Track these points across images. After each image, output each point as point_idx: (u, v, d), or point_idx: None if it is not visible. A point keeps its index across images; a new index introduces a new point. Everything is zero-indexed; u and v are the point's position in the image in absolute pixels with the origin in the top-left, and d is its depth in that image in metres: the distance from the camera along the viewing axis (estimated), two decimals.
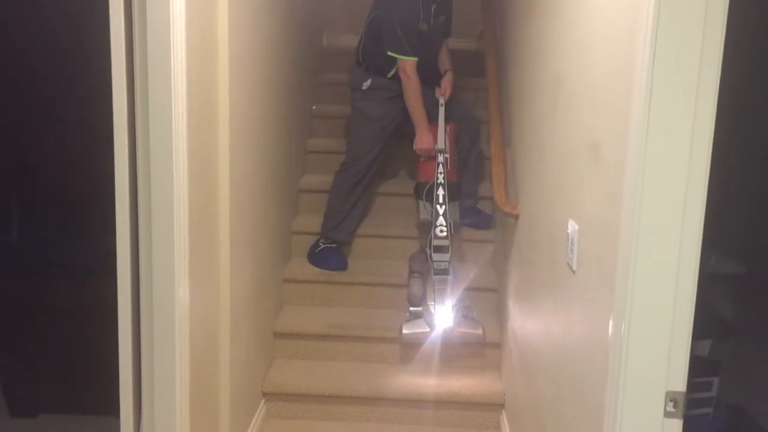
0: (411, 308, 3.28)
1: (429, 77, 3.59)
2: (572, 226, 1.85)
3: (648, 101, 1.31)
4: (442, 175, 3.40)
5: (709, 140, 1.32)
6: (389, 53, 3.41)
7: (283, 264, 3.59)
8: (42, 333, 3.06)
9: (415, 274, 3.35)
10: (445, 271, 3.24)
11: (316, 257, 3.64)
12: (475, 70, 4.27)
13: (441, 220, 3.32)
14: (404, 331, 3.20)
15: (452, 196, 3.46)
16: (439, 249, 3.27)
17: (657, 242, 1.35)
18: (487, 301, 3.51)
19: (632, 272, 1.37)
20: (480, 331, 3.20)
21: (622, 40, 1.49)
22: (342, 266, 3.62)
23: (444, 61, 3.71)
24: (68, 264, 3.09)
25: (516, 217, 2.84)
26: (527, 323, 2.59)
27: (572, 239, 1.84)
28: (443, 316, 3.17)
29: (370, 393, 3.12)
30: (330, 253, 3.63)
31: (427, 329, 3.19)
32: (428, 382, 3.17)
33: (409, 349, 3.29)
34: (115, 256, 1.95)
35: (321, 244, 3.65)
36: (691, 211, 1.34)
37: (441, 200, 3.35)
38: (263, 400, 3.12)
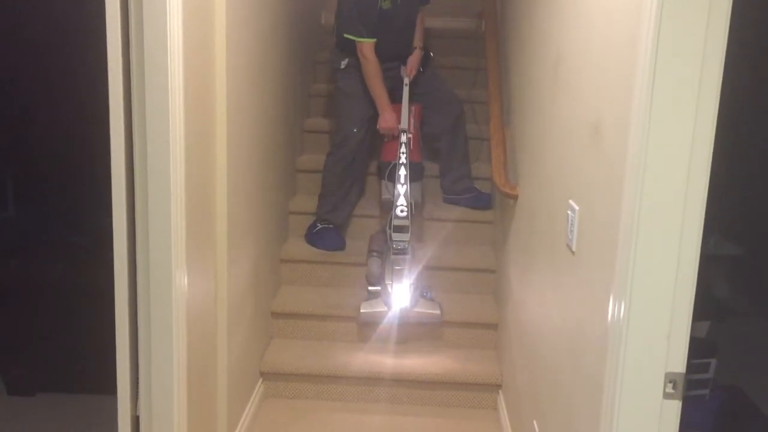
0: (369, 287, 3.31)
1: (399, 54, 3.55)
2: (572, 207, 1.84)
3: (651, 81, 1.29)
4: (405, 155, 3.39)
5: (712, 120, 1.30)
6: (345, 35, 3.38)
7: (281, 244, 3.58)
8: (39, 312, 3.06)
9: (374, 254, 3.37)
10: (403, 251, 3.25)
11: (313, 237, 3.63)
12: (474, 50, 4.24)
13: (402, 200, 3.32)
14: (362, 310, 3.22)
15: (414, 176, 3.45)
16: (399, 229, 3.27)
17: (658, 223, 1.34)
18: (486, 282, 3.52)
19: (633, 253, 1.36)
20: (437, 311, 3.22)
21: (624, 16, 1.46)
22: (340, 246, 3.61)
23: (416, 37, 3.62)
24: (66, 243, 3.08)
25: (515, 198, 2.82)
26: (526, 304, 2.58)
27: (572, 220, 1.83)
28: (401, 295, 3.19)
29: (367, 373, 3.12)
30: (328, 233, 3.62)
31: (385, 308, 3.22)
32: (426, 363, 3.17)
33: (407, 330, 3.29)
34: (112, 236, 1.94)
35: (318, 224, 3.64)
36: (693, 192, 1.33)
37: (402, 180, 3.35)
38: (261, 380, 3.13)
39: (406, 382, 3.12)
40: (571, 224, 1.84)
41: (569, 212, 1.86)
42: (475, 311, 3.34)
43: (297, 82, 3.81)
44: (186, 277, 2.02)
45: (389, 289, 3.21)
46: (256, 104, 2.83)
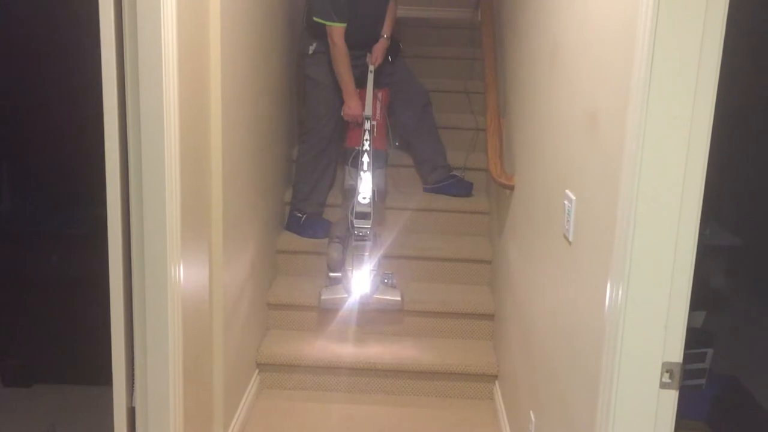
0: (330, 274, 3.31)
1: (368, 43, 3.54)
2: (569, 197, 1.83)
3: (649, 70, 1.28)
4: (368, 142, 3.40)
5: (710, 110, 1.30)
6: (315, 19, 3.36)
7: (277, 235, 3.57)
8: (35, 303, 3.05)
9: (336, 240, 3.37)
10: (364, 238, 3.25)
11: (301, 228, 3.62)
12: (471, 40, 4.22)
13: (364, 187, 3.33)
14: (322, 297, 3.22)
15: (378, 163, 3.46)
16: (361, 216, 3.28)
17: (655, 213, 1.34)
18: (482, 273, 3.51)
19: (630, 243, 1.35)
20: (398, 298, 3.22)
21: (621, 4, 1.45)
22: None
23: (385, 26, 3.59)
24: (61, 234, 3.07)
25: (511, 188, 2.82)
26: (523, 295, 2.58)
27: (569, 210, 1.82)
28: (361, 282, 3.19)
29: (364, 364, 3.12)
30: (315, 222, 3.62)
31: (345, 295, 3.22)
32: (422, 353, 3.17)
33: (402, 320, 3.29)
34: (106, 225, 1.93)
35: (297, 214, 3.63)
36: (690, 182, 1.32)
37: (365, 167, 3.36)
38: (257, 371, 3.13)
39: (404, 373, 3.12)
40: (568, 214, 1.83)
41: (566, 202, 1.85)
42: (471, 302, 3.33)
43: (293, 73, 3.79)
44: (181, 268, 2.01)
45: (350, 275, 3.22)
46: (252, 94, 2.81)
